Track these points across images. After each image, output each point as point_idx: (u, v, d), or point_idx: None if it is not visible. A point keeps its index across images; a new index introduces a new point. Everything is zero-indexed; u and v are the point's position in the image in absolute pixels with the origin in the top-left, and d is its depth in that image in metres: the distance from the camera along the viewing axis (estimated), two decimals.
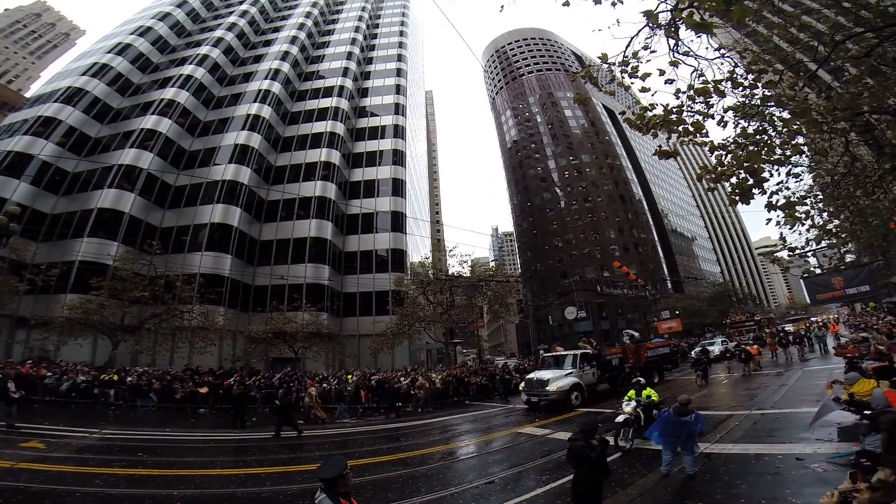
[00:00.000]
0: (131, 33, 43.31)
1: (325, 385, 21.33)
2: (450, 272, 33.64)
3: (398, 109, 48.45)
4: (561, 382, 16.25)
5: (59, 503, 6.63)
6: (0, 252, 16.41)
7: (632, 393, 9.73)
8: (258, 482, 8.15)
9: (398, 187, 42.58)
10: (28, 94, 48.54)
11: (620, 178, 75.56)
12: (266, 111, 41.97)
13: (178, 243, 33.03)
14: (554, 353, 20.45)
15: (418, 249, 46.68)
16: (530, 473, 8.19)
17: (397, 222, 40.87)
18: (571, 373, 17.06)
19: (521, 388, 18.24)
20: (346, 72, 50.07)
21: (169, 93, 39.12)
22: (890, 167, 6.46)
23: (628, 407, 9.29)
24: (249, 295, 34.90)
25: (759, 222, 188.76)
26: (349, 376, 24.06)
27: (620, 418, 9.13)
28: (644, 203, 78.49)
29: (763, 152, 5.77)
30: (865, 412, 4.77)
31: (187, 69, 41.97)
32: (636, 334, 23.16)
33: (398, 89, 50.78)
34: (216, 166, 37.02)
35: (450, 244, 35.44)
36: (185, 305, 25.50)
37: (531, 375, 17.88)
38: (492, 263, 44.79)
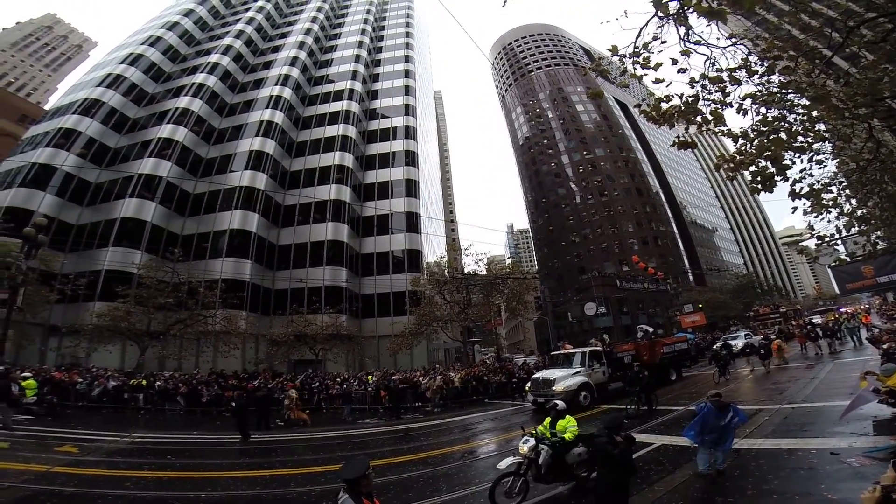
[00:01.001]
0: (142, 43, 44.25)
1: (345, 385, 21.57)
2: (465, 271, 33.58)
3: (408, 110, 48.70)
4: (568, 382, 15.65)
5: None
6: (30, 263, 17.08)
7: (546, 423, 7.43)
8: (283, 483, 8.29)
9: (412, 188, 42.85)
10: (47, 107, 50.06)
11: (636, 171, 74.47)
12: (278, 117, 42.54)
13: (199, 250, 33.78)
14: (563, 352, 19.93)
15: (433, 249, 46.80)
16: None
17: (412, 223, 41.14)
18: (580, 371, 16.40)
19: (526, 388, 17.60)
20: (354, 75, 50.50)
21: (183, 101, 39.89)
22: None
23: (525, 446, 6.75)
24: (270, 299, 35.53)
25: (781, 212, 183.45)
26: (369, 377, 24.30)
27: (505, 463, 6.77)
28: (662, 195, 77.33)
29: (784, 140, 5.60)
30: None
31: (199, 77, 42.70)
32: (650, 329, 22.25)
33: (407, 90, 51.04)
34: (233, 173, 37.79)
35: (465, 243, 35.30)
36: (208, 311, 26.19)
37: (537, 375, 17.30)
38: (508, 261, 44.48)
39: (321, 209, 38.77)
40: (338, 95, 47.86)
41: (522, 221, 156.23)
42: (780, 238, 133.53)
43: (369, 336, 36.39)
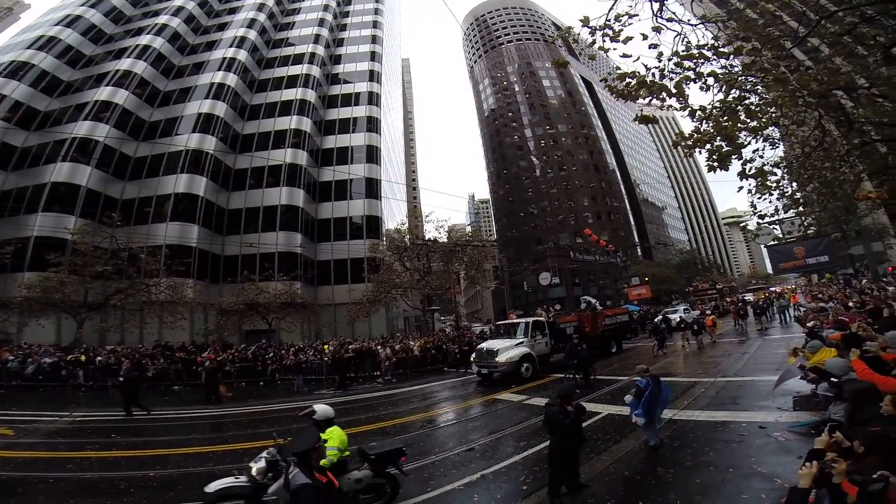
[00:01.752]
0: (82, 4, 40.35)
1: (300, 356, 21.22)
2: (426, 238, 33.36)
3: (373, 77, 47.19)
4: (511, 353, 15.45)
5: (32, 490, 6.46)
6: None
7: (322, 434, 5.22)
8: (236, 458, 7.97)
9: (373, 154, 41.86)
10: None
11: (595, 148, 77.32)
12: (232, 79, 40.11)
13: (140, 215, 31.86)
14: (507, 322, 19.63)
15: (394, 216, 46.36)
16: (508, 440, 8.37)
17: (372, 189, 40.31)
18: (522, 342, 16.17)
19: (472, 358, 17.35)
20: (317, 39, 48.04)
21: (125, 63, 37.01)
22: (859, 142, 6.56)
23: (258, 464, 4.93)
24: (219, 265, 34.13)
25: (726, 195, 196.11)
26: (326, 346, 24.01)
27: (215, 486, 4.85)
28: (617, 173, 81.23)
29: (741, 119, 5.72)
30: (832, 380, 4.87)
31: (145, 39, 39.65)
32: (593, 300, 22.12)
33: (373, 56, 49.27)
34: (179, 136, 35.41)
35: (426, 209, 34.87)
36: (151, 279, 24.64)
37: (482, 345, 17.11)
38: (468, 229, 44.64)
39: (275, 173, 37.33)
40: (298, 59, 45.61)
41: (484, 192, 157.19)
42: (723, 218, 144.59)
43: (325, 304, 35.85)
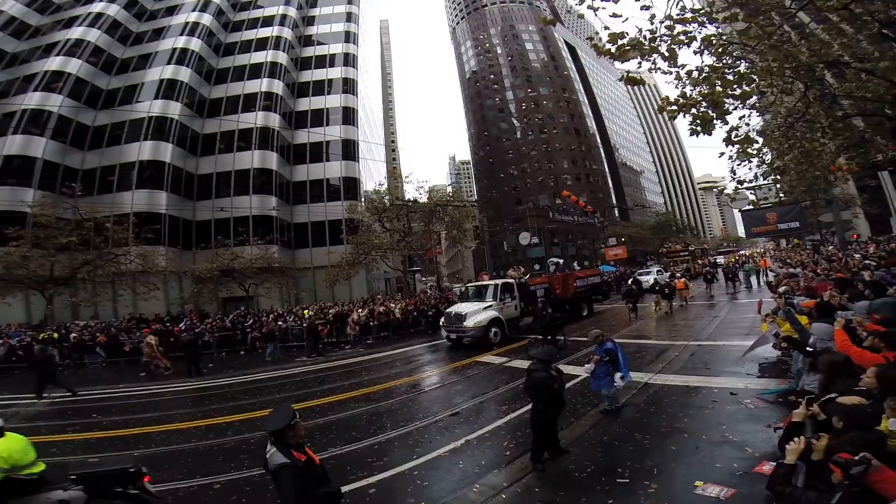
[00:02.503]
0: None
1: (279, 322, 20.94)
2: (406, 199, 32.90)
3: (349, 38, 45.51)
4: (479, 317, 14.84)
5: None
6: None
7: None
8: (220, 433, 8.07)
9: (349, 116, 40.91)
10: None
11: (576, 111, 78.53)
12: (195, 43, 38.00)
13: (104, 184, 30.72)
14: (476, 283, 18.80)
15: (373, 178, 45.57)
16: (490, 404, 8.50)
17: (349, 151, 39.72)
18: (491, 305, 15.50)
19: (441, 323, 16.69)
20: (288, 0, 45.24)
21: (77, 32, 34.74)
22: (842, 115, 6.51)
23: None
24: (191, 231, 33.46)
25: (703, 161, 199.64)
26: (305, 311, 23.87)
27: None
28: (597, 137, 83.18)
29: (731, 81, 5.57)
30: (808, 349, 4.76)
31: (98, 6, 37.05)
32: (561, 261, 21.85)
33: (349, 17, 47.25)
34: (140, 103, 33.69)
35: (406, 171, 34.42)
36: (119, 248, 23.87)
37: (450, 309, 16.37)
38: (449, 189, 44.17)
39: (246, 137, 36.13)
40: (267, 21, 43.38)
41: (465, 153, 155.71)
42: (699, 184, 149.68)
43: (304, 268, 35.60)
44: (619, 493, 4.53)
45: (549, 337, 13.21)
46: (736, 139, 6.93)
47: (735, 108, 6.50)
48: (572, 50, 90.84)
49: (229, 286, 28.06)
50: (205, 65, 39.02)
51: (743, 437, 5.46)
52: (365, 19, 53.52)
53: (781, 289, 10.20)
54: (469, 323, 14.69)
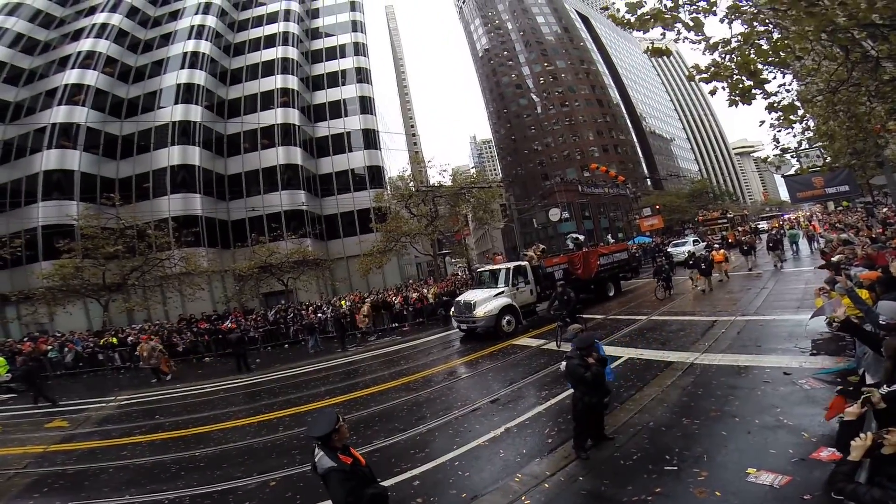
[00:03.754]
0: None
1: (318, 314, 21.50)
2: (431, 183, 32.89)
3: (356, 27, 45.23)
4: (489, 306, 13.72)
5: (97, 482, 6.76)
6: None
7: None
8: (271, 429, 8.39)
9: (366, 105, 41.13)
10: None
11: (597, 82, 76.82)
12: (205, 46, 38.36)
13: (141, 191, 31.83)
14: (490, 267, 17.37)
15: (396, 164, 45.75)
16: (530, 389, 8.46)
17: (370, 140, 40.02)
18: (503, 292, 14.31)
19: (451, 312, 15.67)
20: None
21: (86, 44, 35.25)
22: (889, 78, 5.98)
23: None
24: (228, 231, 34.60)
25: (736, 124, 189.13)
26: (342, 301, 24.44)
27: None
28: (622, 107, 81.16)
29: (767, 51, 5.20)
30: (877, 333, 4.07)
31: (100, 17, 37.38)
32: (581, 237, 19.61)
33: (353, 6, 46.75)
34: (162, 109, 34.67)
35: (428, 156, 34.38)
36: (163, 253, 24.99)
37: (459, 298, 15.29)
38: (472, 171, 43.79)
39: (269, 134, 36.71)
40: (272, 18, 43.32)
41: (485, 132, 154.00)
42: (734, 148, 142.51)
43: (338, 258, 36.38)
44: (667, 481, 4.42)
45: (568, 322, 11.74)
46: (778, 107, 6.52)
47: (774, 78, 6.09)
48: (585, 20, 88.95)
49: (268, 281, 28.92)
50: (218, 66, 39.55)
51: (798, 421, 5.18)
52: (369, 6, 52.76)
53: (836, 258, 9.13)
54: (479, 312, 13.67)
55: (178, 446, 8.06)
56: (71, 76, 33.29)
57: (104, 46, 35.91)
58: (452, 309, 15.51)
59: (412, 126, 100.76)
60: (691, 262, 17.30)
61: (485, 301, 13.91)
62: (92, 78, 33.88)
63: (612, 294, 18.38)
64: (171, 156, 32.96)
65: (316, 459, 3.13)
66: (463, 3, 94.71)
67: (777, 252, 19.35)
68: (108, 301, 22.45)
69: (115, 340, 18.68)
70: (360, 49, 43.92)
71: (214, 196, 34.33)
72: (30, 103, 32.98)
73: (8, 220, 27.45)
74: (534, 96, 74.99)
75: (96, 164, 31.65)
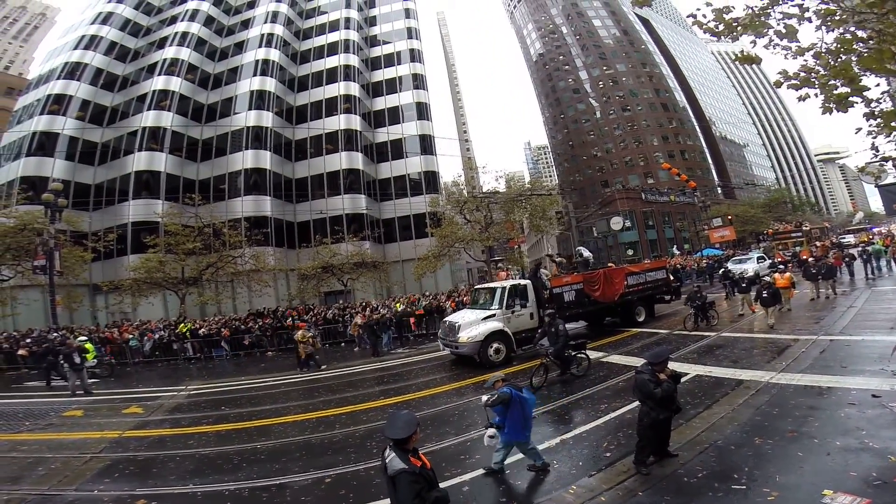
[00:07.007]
0: (109, 1, 41.72)
1: (375, 315, 21.90)
2: (485, 189, 32.78)
3: (411, 34, 46.58)
4: (474, 331, 12.01)
5: (164, 469, 7.11)
6: (58, 227, 17.37)
7: None
8: (329, 426, 8.57)
9: (423, 111, 41.99)
10: (29, 77, 48.93)
11: (661, 86, 73.58)
12: (274, 54, 40.88)
13: (217, 192, 34.44)
14: (483, 286, 15.54)
15: (451, 170, 46.35)
16: (587, 402, 8.24)
17: (426, 145, 40.91)
18: (495, 315, 12.52)
19: (439, 333, 14.16)
20: (348, 2, 47.31)
21: (170, 52, 38.62)
22: None
23: None
24: (294, 232, 36.57)
25: (815, 129, 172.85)
26: (397, 304, 24.82)
27: None
28: (689, 111, 77.24)
29: (871, 59, 4.74)
30: None
31: (181, 26, 40.88)
32: (587, 253, 17.24)
33: (408, 13, 48.29)
34: (237, 115, 37.40)
35: (482, 162, 34.38)
36: (235, 251, 26.72)
37: (447, 318, 13.79)
38: (526, 177, 43.27)
39: (333, 140, 38.50)
40: (333, 26, 45.55)
41: (540, 138, 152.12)
42: (816, 155, 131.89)
43: (394, 261, 37.25)
44: (734, 500, 4.23)
45: (563, 366, 9.81)
46: (878, 114, 5.92)
47: (877, 85, 5.55)
48: (645, 22, 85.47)
49: (329, 281, 30.16)
50: (286, 73, 42.02)
51: (886, 444, 4.79)
52: (422, 13, 54.24)
53: None
54: (462, 337, 12.03)
55: (241, 438, 8.38)
56: (158, 82, 36.61)
57: (186, 54, 39.20)
58: (440, 330, 14.02)
59: (465, 132, 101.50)
60: (745, 285, 14.64)
61: (470, 325, 12.27)
62: (176, 84, 37.11)
63: (641, 319, 15.83)
64: (245, 159, 35.46)
65: (387, 461, 3.21)
66: (514, 8, 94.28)
67: (830, 281, 15.58)
68: (185, 294, 24.29)
69: (184, 329, 19.88)
70: (415, 55, 45.07)
71: (283, 198, 36.38)
72: (123, 108, 36.69)
73: (103, 217, 30.61)
74: (592, 101, 73.14)
75: (179, 165, 34.69)
